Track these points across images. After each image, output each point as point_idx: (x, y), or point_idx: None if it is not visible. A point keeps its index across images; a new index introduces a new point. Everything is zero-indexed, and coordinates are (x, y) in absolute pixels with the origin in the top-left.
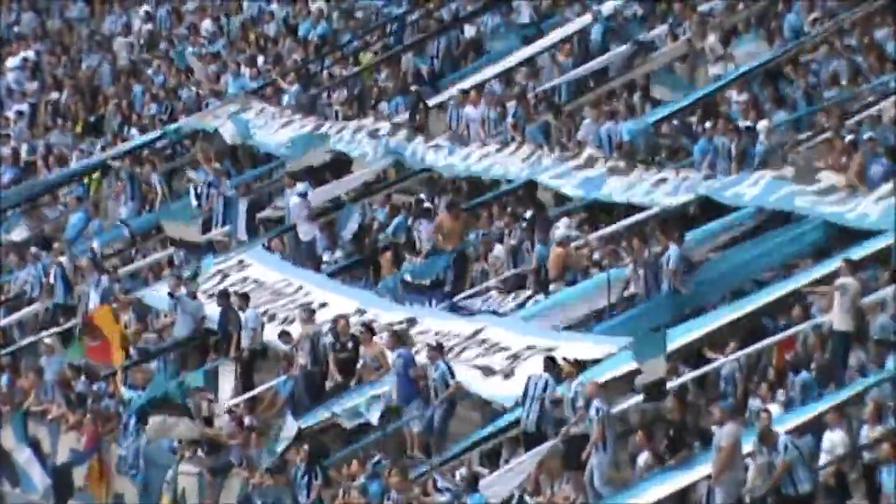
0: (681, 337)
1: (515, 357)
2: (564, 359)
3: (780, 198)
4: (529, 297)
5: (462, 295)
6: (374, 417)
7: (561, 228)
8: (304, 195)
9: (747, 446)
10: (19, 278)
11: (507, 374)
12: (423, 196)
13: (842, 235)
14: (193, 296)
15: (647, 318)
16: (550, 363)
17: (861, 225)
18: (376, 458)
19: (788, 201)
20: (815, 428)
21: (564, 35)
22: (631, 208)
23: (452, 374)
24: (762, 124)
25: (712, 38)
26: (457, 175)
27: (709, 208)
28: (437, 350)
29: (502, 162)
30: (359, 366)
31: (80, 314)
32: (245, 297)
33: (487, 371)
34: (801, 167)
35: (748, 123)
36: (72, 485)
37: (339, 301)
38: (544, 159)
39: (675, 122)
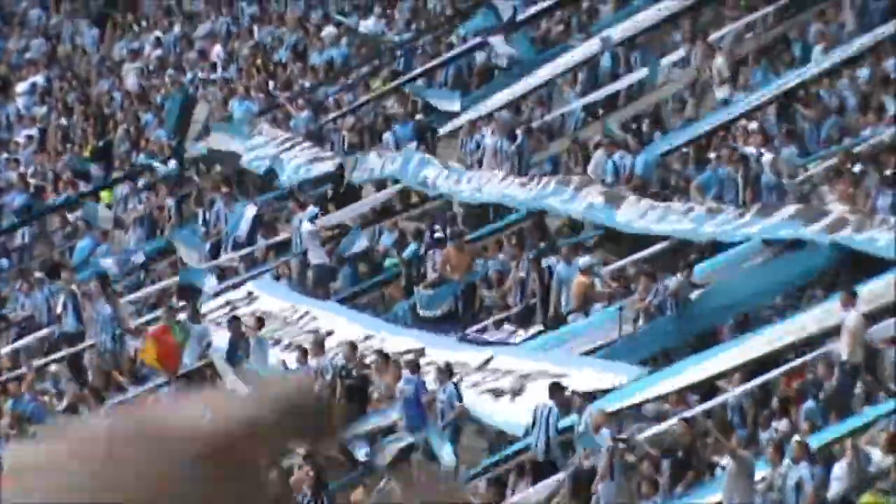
0: (691, 371)
1: (525, 377)
2: (574, 391)
3: (789, 233)
4: (541, 331)
5: (474, 328)
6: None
7: (586, 257)
8: (313, 219)
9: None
10: (26, 305)
11: (517, 392)
12: (436, 226)
13: (851, 261)
14: (197, 320)
15: (652, 343)
16: (557, 389)
17: (869, 249)
18: (383, 482)
19: (798, 234)
20: (824, 457)
21: (572, 62)
22: (637, 238)
23: (460, 398)
24: (767, 157)
25: (720, 60)
26: (464, 200)
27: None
28: (447, 372)
29: (508, 190)
30: (374, 395)
31: (89, 339)
32: (259, 321)
33: (497, 393)
34: (810, 205)
35: (756, 151)
36: None
37: (346, 328)
38: (549, 185)
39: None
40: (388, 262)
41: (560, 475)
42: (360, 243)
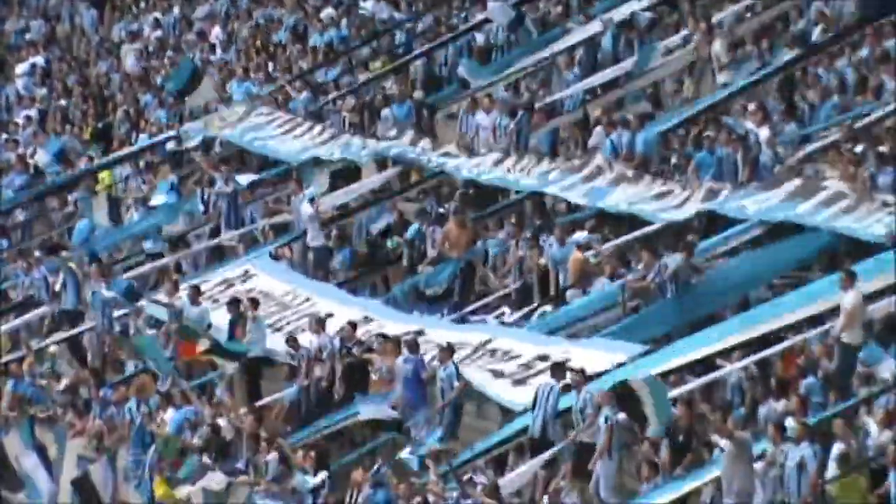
0: (692, 350)
1: (527, 367)
2: (571, 369)
3: (788, 214)
4: (537, 307)
5: (471, 308)
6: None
7: (583, 232)
8: (313, 200)
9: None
10: (25, 282)
11: (519, 382)
12: (434, 203)
13: (850, 241)
14: (197, 301)
15: (652, 324)
16: (559, 369)
17: (868, 237)
18: (377, 467)
19: (797, 216)
20: (823, 437)
21: (573, 42)
22: (636, 218)
23: (459, 376)
24: (763, 133)
25: (718, 45)
26: (464, 179)
27: (715, 220)
28: (448, 351)
29: (507, 172)
30: (373, 377)
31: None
32: (255, 302)
33: (497, 374)
34: (808, 180)
35: (753, 131)
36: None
37: (345, 311)
38: (551, 171)
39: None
40: (391, 244)
41: (558, 446)
42: (381, 223)
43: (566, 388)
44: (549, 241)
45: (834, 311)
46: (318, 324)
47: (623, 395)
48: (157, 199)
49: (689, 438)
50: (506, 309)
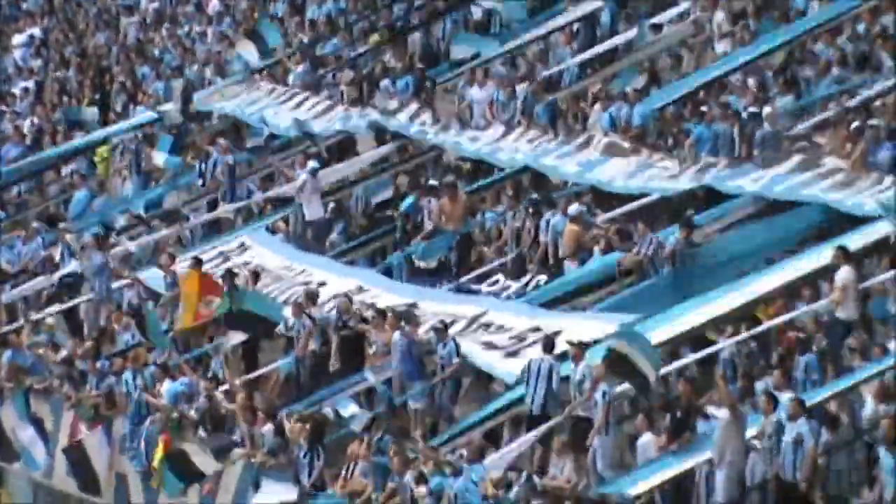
0: (684, 318)
1: (520, 339)
2: (569, 341)
3: (783, 190)
4: (534, 279)
5: (467, 278)
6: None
7: (576, 204)
8: (313, 173)
9: (751, 431)
10: (22, 253)
11: (511, 354)
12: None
13: (843, 216)
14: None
15: (648, 299)
16: (550, 344)
17: (858, 213)
18: (381, 434)
19: (792, 192)
20: (818, 412)
21: (574, 17)
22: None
23: (458, 353)
24: (766, 110)
25: (720, 15)
26: (463, 154)
27: (713, 194)
28: (443, 330)
29: (507, 146)
30: (370, 352)
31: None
32: (255, 275)
33: (489, 346)
34: (806, 156)
35: (753, 109)
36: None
37: (339, 281)
38: (549, 143)
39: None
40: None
41: (554, 420)
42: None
43: (561, 358)
44: (551, 213)
45: (824, 274)
46: (311, 297)
47: (615, 361)
48: (159, 158)
49: (688, 414)
50: (501, 277)
